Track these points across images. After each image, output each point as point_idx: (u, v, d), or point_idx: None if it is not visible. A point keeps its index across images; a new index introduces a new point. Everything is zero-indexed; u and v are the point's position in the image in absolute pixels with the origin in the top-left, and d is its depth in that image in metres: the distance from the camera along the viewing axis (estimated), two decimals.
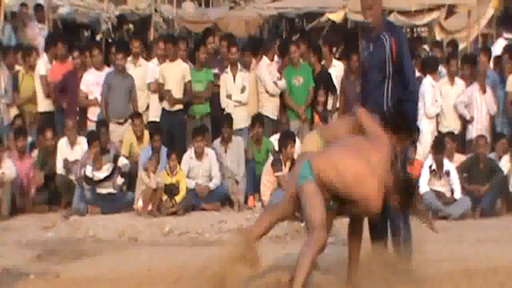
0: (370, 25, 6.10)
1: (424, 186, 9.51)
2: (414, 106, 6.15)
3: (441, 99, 10.52)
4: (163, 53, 10.79)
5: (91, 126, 10.43)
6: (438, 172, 9.53)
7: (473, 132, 10.40)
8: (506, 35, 13.08)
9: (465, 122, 10.56)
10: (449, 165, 9.57)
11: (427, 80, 10.47)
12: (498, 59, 11.35)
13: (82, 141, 10.03)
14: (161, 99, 10.54)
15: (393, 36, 5.97)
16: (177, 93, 10.50)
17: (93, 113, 10.50)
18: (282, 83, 10.51)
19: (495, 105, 10.61)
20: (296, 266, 5.30)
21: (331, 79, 10.79)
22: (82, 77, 10.53)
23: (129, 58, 10.79)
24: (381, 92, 6.00)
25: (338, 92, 10.78)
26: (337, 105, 10.84)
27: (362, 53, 6.41)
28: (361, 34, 13.38)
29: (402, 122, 5.88)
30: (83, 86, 10.48)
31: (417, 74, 10.84)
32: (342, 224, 9.07)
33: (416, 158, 9.98)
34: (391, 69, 5.95)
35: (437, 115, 10.60)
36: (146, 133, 10.17)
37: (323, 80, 10.71)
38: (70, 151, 10.06)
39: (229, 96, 10.57)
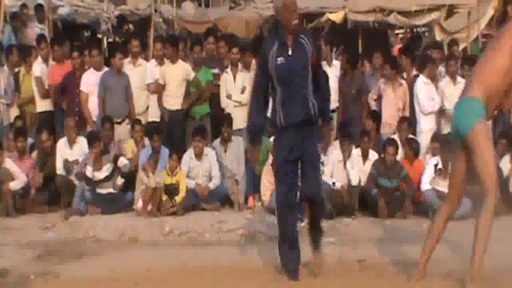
0: (293, 28, 6.01)
1: (426, 185, 9.52)
2: (329, 104, 6.50)
3: (443, 100, 10.50)
4: (160, 53, 10.81)
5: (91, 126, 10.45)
6: (444, 172, 9.50)
7: None
8: None
9: None
10: None
11: (420, 78, 10.48)
12: None
13: (82, 140, 10.05)
14: (160, 100, 10.57)
15: (309, 36, 6.13)
16: (178, 94, 10.51)
17: (93, 114, 10.51)
18: None
19: None
20: (475, 237, 5.52)
21: (328, 80, 10.77)
22: (81, 77, 10.54)
23: (128, 58, 10.81)
24: (307, 97, 6.06)
25: (333, 92, 10.78)
26: (334, 105, 10.86)
27: (274, 58, 6.02)
28: (360, 34, 13.45)
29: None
30: (83, 87, 10.49)
31: (415, 72, 10.91)
32: (342, 224, 9.11)
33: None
34: (311, 73, 6.07)
35: (440, 115, 10.58)
36: (146, 139, 10.16)
37: None
38: (69, 150, 10.07)
39: (229, 96, 10.57)
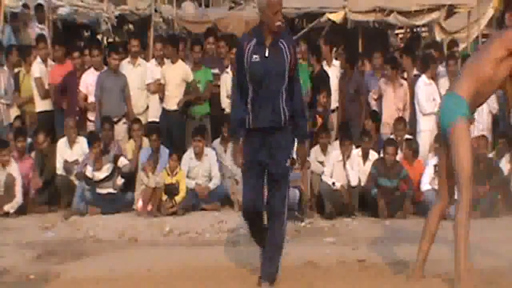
0: (275, 29, 5.67)
1: (426, 185, 9.52)
2: (306, 122, 6.08)
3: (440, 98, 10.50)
4: (160, 53, 10.80)
5: (91, 126, 10.45)
6: None
7: (474, 132, 10.38)
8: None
9: None
10: None
11: (421, 79, 10.47)
12: None
13: (82, 140, 10.06)
14: (161, 100, 10.57)
15: (291, 43, 5.78)
16: (178, 94, 10.51)
17: (92, 114, 10.51)
18: None
19: (496, 104, 10.60)
20: (455, 236, 5.58)
21: (328, 80, 10.81)
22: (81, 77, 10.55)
23: (128, 58, 10.81)
24: (278, 103, 5.70)
25: (333, 92, 10.81)
26: (334, 104, 10.87)
27: (249, 55, 5.68)
28: (360, 34, 13.44)
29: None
30: (82, 87, 10.49)
31: (415, 72, 10.92)
32: (342, 224, 9.11)
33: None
34: (287, 79, 5.72)
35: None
36: (146, 140, 10.16)
37: (322, 81, 10.71)
38: (69, 150, 10.08)
39: (229, 96, 10.56)
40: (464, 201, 5.50)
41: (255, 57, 5.68)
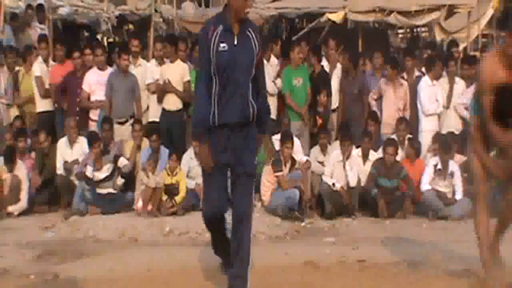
0: (243, 17, 5.27)
1: (425, 185, 9.52)
2: (269, 117, 5.65)
3: (442, 99, 10.50)
4: (160, 54, 10.80)
5: (93, 126, 10.45)
6: (443, 172, 9.51)
7: None
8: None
9: (466, 122, 10.53)
10: (454, 166, 9.53)
11: (424, 79, 10.48)
12: None
13: (82, 140, 10.06)
14: (160, 100, 10.56)
15: (257, 32, 5.37)
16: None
17: (95, 113, 10.51)
18: (279, 82, 10.55)
19: None
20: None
21: (329, 80, 10.80)
22: (83, 77, 10.54)
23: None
24: (246, 96, 5.29)
25: (334, 92, 10.81)
26: (335, 105, 10.87)
27: (216, 43, 5.20)
28: (360, 34, 13.44)
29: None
30: (85, 86, 10.48)
31: (417, 73, 10.91)
32: (342, 224, 9.11)
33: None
34: (254, 71, 5.32)
35: (440, 115, 10.56)
36: (145, 140, 10.16)
37: (322, 81, 10.72)
38: (69, 150, 10.08)
39: None
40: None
41: (223, 46, 5.21)
